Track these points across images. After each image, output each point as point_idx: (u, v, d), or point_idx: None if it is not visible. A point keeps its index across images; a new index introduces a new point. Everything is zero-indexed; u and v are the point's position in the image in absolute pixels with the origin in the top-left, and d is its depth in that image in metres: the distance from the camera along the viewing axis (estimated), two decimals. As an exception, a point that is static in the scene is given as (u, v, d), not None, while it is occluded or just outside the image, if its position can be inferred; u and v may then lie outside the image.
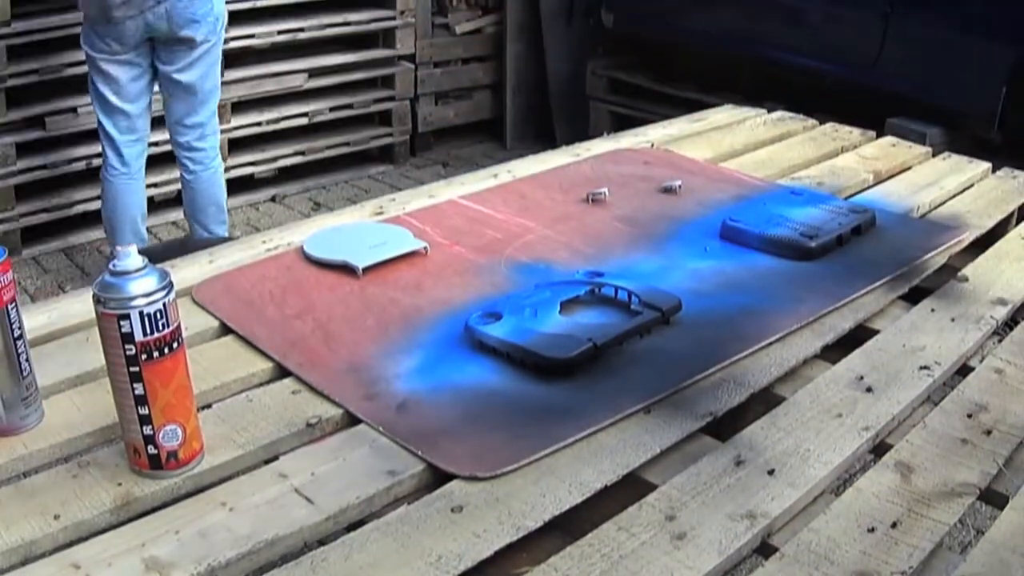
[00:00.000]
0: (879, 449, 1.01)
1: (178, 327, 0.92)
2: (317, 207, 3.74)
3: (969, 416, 1.04)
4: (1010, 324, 1.26)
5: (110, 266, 0.90)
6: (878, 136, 1.95)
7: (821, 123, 2.01)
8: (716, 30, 3.75)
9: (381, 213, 1.55)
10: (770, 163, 1.78)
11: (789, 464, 0.96)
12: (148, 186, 3.51)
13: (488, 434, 1.00)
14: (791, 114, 2.06)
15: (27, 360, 1.00)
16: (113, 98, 2.62)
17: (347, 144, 3.95)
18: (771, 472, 0.95)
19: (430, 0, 4.10)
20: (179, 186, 3.62)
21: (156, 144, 3.47)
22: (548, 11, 4.24)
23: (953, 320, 1.23)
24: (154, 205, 3.62)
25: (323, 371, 1.11)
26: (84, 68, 3.21)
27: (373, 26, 3.90)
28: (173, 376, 0.92)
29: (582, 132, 3.81)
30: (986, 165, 1.76)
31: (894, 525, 0.87)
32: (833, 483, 0.96)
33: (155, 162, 3.55)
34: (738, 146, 1.88)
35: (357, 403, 1.05)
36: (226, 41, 3.53)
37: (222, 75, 2.96)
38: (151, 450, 0.93)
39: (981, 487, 0.93)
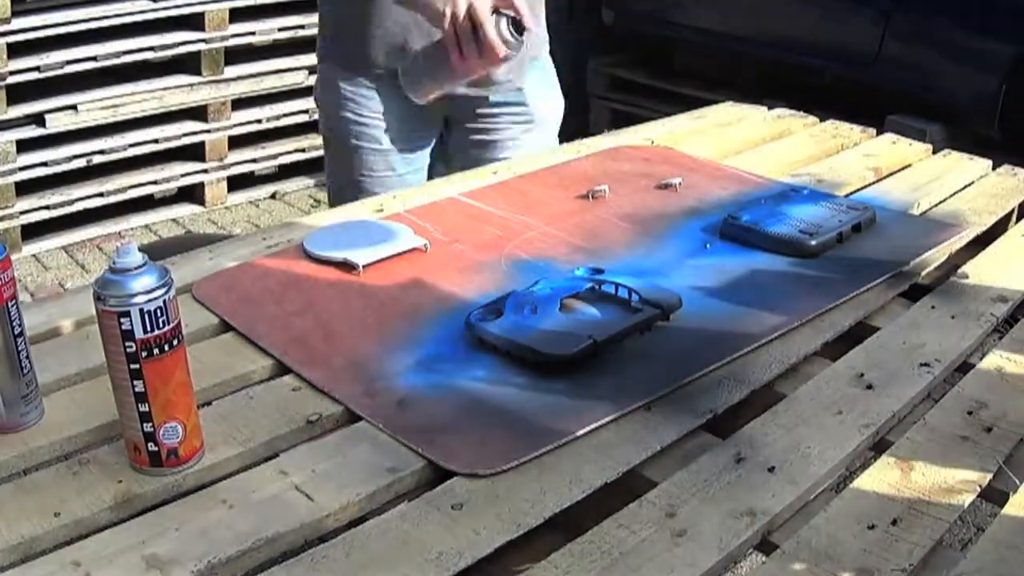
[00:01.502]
0: (879, 446, 1.01)
1: (178, 324, 0.92)
2: (317, 204, 3.74)
3: (969, 413, 1.04)
4: (1010, 321, 1.26)
5: (110, 263, 0.90)
6: (878, 133, 1.95)
7: (821, 120, 2.00)
8: (716, 27, 3.75)
9: (381, 211, 1.55)
10: (770, 160, 1.78)
11: (789, 461, 0.96)
12: (148, 184, 3.52)
13: (488, 431, 1.00)
14: (791, 111, 2.06)
15: (27, 357, 1.00)
16: None
17: (347, 141, 3.94)
18: (771, 469, 0.95)
19: (430, -3, 4.09)
20: (179, 184, 3.62)
21: (156, 142, 3.47)
22: (548, 8, 4.23)
23: (953, 317, 1.23)
24: (154, 203, 3.62)
25: (323, 368, 1.11)
26: (84, 65, 3.21)
27: (373, 23, 3.90)
28: (173, 373, 0.92)
29: (582, 129, 3.81)
30: (986, 162, 1.76)
31: (894, 522, 0.87)
32: (833, 480, 0.96)
33: (155, 160, 3.55)
34: (738, 143, 1.87)
35: (357, 400, 1.05)
36: (227, 38, 3.54)
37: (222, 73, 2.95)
38: (151, 447, 0.93)
39: (981, 484, 0.93)
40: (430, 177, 1.84)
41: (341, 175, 1.82)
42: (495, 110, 1.79)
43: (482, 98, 1.77)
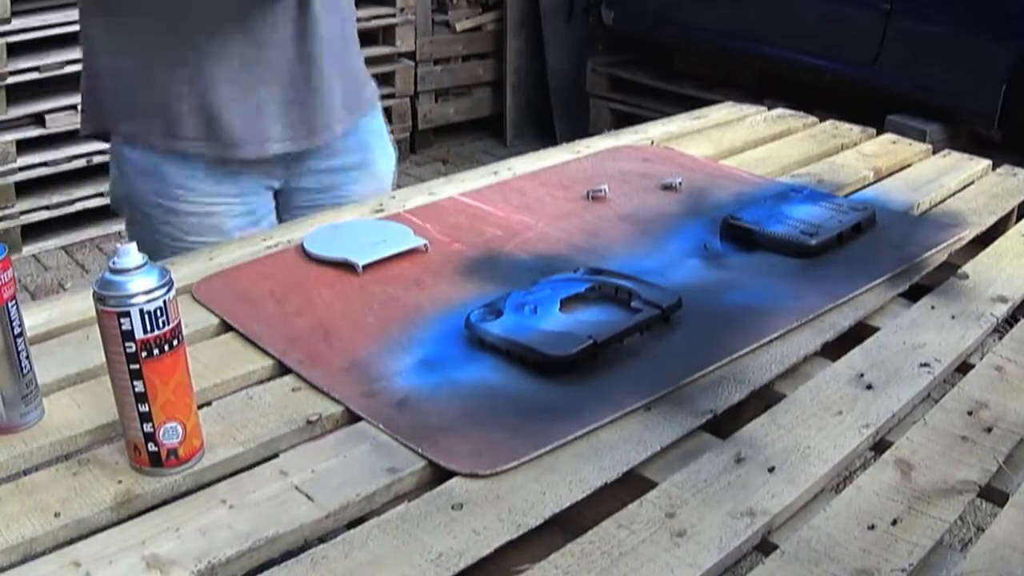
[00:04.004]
0: (879, 446, 1.01)
1: (178, 324, 0.92)
2: (317, 204, 3.74)
3: (969, 413, 1.04)
4: (1010, 321, 1.26)
5: (110, 264, 0.90)
6: (878, 133, 1.95)
7: (821, 120, 2.00)
8: (716, 27, 3.75)
9: (381, 210, 1.55)
10: (770, 160, 1.78)
11: (789, 461, 0.96)
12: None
13: (488, 431, 1.00)
14: (791, 111, 2.06)
15: (27, 358, 1.00)
16: None
17: (347, 141, 3.95)
18: (771, 469, 0.95)
19: (430, -3, 4.10)
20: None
21: (156, 141, 3.47)
22: (548, 8, 4.24)
23: (953, 317, 1.23)
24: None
25: (323, 368, 1.11)
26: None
27: (373, 23, 3.91)
28: (173, 373, 0.92)
29: (582, 129, 3.82)
30: (986, 162, 1.76)
31: (894, 522, 0.87)
32: (833, 480, 0.96)
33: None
34: (738, 143, 1.87)
35: (357, 400, 1.05)
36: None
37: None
38: (151, 448, 0.93)
39: (981, 484, 0.93)
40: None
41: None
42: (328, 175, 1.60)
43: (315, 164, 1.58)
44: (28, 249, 3.32)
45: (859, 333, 1.21)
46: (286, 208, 1.62)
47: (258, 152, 1.48)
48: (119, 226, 3.48)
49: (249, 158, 1.48)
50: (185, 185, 1.47)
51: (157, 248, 1.44)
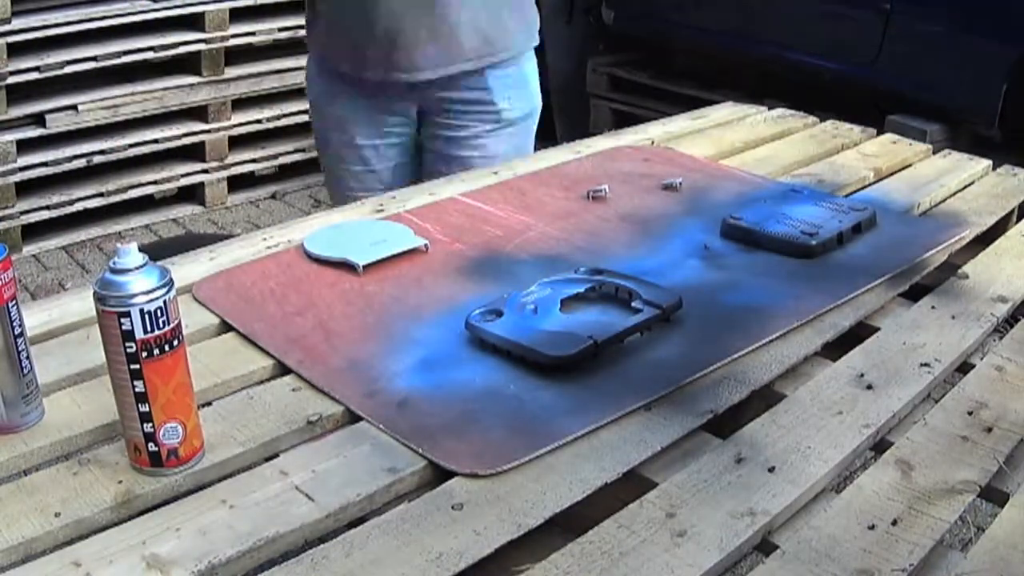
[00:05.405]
0: (879, 446, 1.01)
1: (178, 324, 0.92)
2: (318, 204, 3.75)
3: (970, 413, 1.04)
4: (1010, 321, 1.26)
5: (110, 264, 0.90)
6: (879, 133, 1.95)
7: (821, 120, 2.01)
8: (716, 27, 3.75)
9: (381, 211, 1.55)
10: (770, 160, 1.78)
11: (790, 461, 0.96)
12: (148, 184, 3.52)
13: (489, 431, 1.00)
14: (791, 111, 2.06)
15: (27, 358, 1.00)
16: None
17: (347, 141, 3.94)
18: (771, 469, 0.95)
19: (430, -3, 4.09)
20: (179, 184, 3.63)
21: (156, 142, 3.48)
22: (548, 8, 4.22)
23: (954, 317, 1.23)
24: (154, 203, 3.62)
25: (323, 368, 1.11)
26: (84, 65, 3.21)
27: (373, 23, 3.90)
28: (173, 373, 0.92)
29: (583, 129, 3.81)
30: (986, 162, 1.76)
31: (895, 522, 0.87)
32: (833, 480, 0.96)
33: (155, 160, 3.55)
34: (738, 143, 1.87)
35: (358, 400, 1.05)
36: (227, 38, 3.54)
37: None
38: (152, 448, 0.93)
39: (981, 484, 0.93)
40: (409, 173, 1.92)
41: (325, 169, 1.99)
42: (461, 107, 1.85)
43: (449, 94, 1.83)
44: (28, 249, 3.32)
45: (859, 333, 1.21)
46: (424, 135, 1.90)
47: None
48: (119, 226, 3.48)
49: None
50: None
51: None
